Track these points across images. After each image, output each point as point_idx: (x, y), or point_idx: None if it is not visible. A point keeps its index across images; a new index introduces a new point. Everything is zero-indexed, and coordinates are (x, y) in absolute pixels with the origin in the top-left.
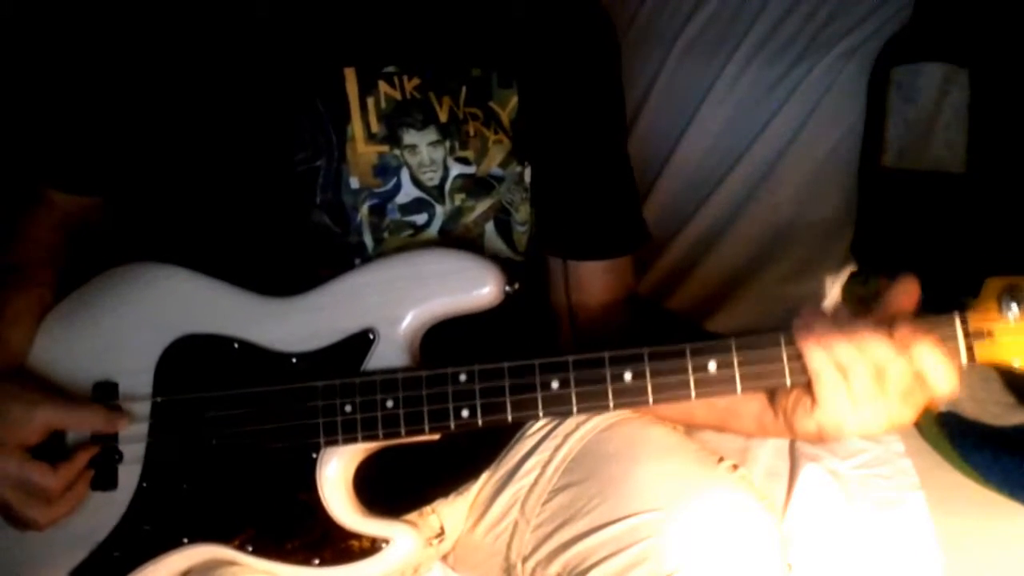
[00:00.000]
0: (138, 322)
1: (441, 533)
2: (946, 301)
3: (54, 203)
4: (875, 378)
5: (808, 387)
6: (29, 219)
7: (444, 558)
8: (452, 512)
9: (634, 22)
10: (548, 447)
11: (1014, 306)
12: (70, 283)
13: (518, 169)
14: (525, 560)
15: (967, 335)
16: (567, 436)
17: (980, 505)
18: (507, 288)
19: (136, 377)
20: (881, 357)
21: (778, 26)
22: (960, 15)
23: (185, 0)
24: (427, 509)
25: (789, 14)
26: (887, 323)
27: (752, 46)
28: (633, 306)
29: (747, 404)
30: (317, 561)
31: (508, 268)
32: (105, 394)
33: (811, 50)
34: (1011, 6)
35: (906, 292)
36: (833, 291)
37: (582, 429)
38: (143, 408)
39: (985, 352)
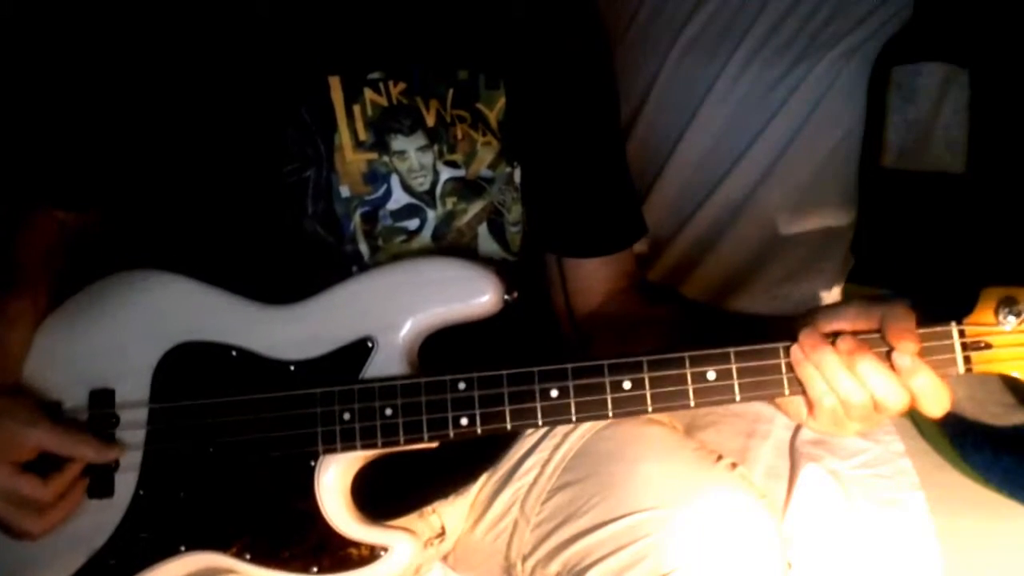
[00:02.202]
0: (135, 329)
1: (442, 533)
2: (945, 306)
3: (52, 212)
4: (871, 407)
5: (806, 396)
6: (27, 226)
7: (444, 558)
8: (452, 512)
9: (634, 22)
10: (547, 446)
11: (1011, 317)
12: (67, 289)
13: (508, 170)
14: (525, 559)
15: (964, 346)
16: (566, 435)
17: (980, 505)
18: (506, 297)
19: (133, 384)
20: (880, 390)
21: (778, 26)
22: (960, 15)
23: (171, 17)
24: (427, 509)
25: (789, 14)
26: (886, 344)
27: (752, 46)
28: (642, 293)
29: None
30: (315, 569)
31: (506, 273)
32: (102, 401)
33: (811, 50)
34: (1011, 6)
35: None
36: (833, 291)
37: (581, 428)
38: (140, 415)
39: (982, 363)
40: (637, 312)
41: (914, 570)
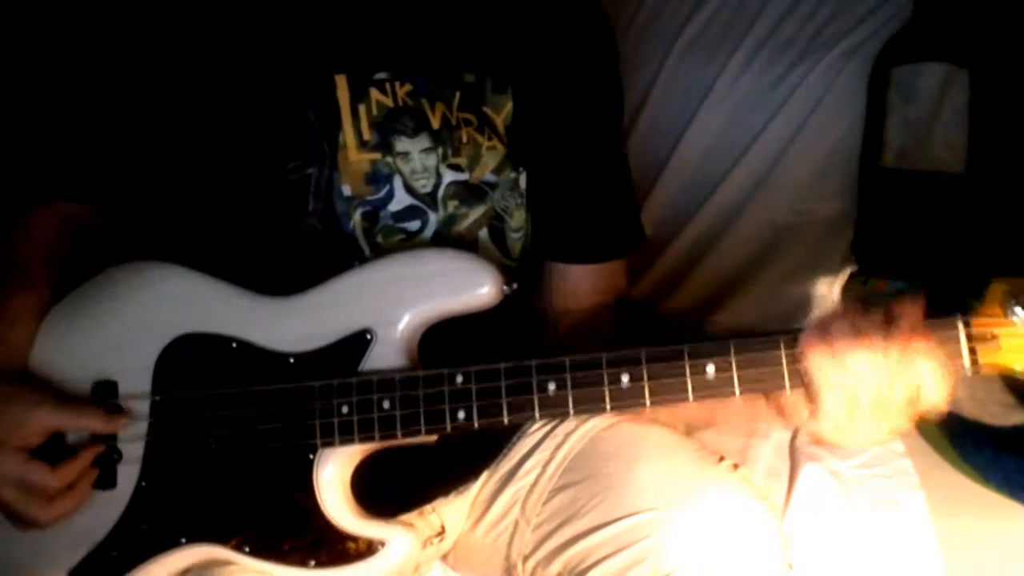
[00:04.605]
0: (137, 321)
1: (442, 532)
2: (949, 303)
3: (55, 206)
4: (879, 403)
5: (811, 396)
6: (29, 220)
7: (444, 558)
8: (452, 511)
9: (634, 22)
10: (548, 446)
11: (1019, 310)
12: (70, 283)
13: (512, 175)
14: (525, 559)
15: (970, 339)
16: (567, 435)
17: (980, 505)
18: (505, 288)
19: (135, 376)
20: (886, 381)
21: (778, 26)
22: (960, 15)
23: (179, 12)
24: (427, 508)
25: (789, 14)
26: (889, 331)
27: (752, 46)
28: (622, 310)
29: None
30: (313, 562)
31: (505, 269)
32: (105, 393)
33: (811, 50)
34: (1011, 6)
35: (912, 308)
36: (833, 291)
37: (582, 428)
38: (142, 407)
39: (988, 357)
40: (612, 331)
41: (914, 570)
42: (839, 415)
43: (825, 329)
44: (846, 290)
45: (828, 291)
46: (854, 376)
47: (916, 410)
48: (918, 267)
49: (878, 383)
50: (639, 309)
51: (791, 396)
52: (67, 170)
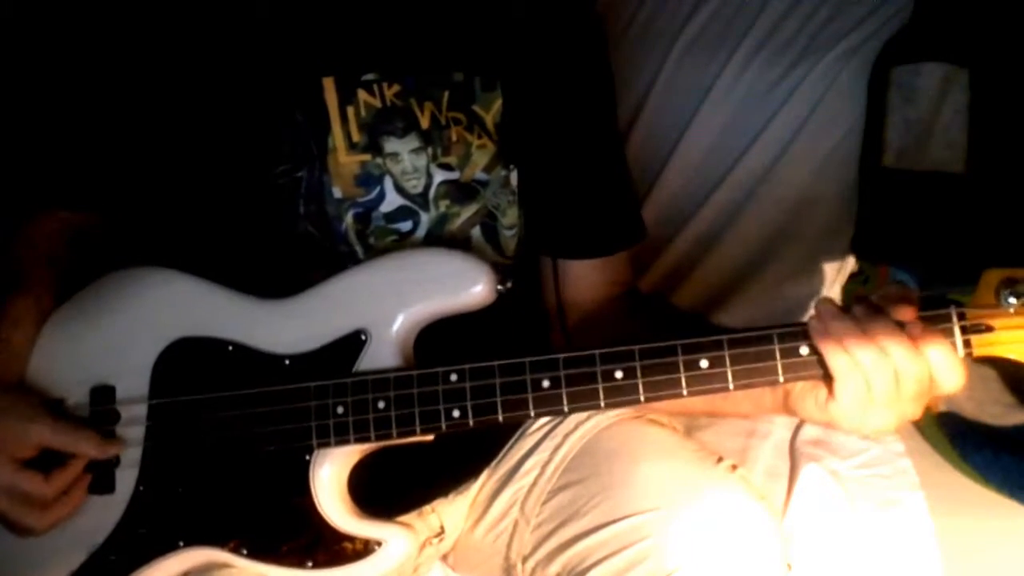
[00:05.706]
0: (135, 326)
1: (441, 532)
2: (946, 299)
3: (55, 212)
4: (894, 382)
5: (826, 380)
6: (30, 225)
7: (444, 558)
8: (452, 511)
9: (634, 22)
10: (548, 447)
11: (1012, 298)
12: (69, 288)
13: (503, 173)
14: (525, 560)
15: (964, 329)
16: (567, 436)
17: (980, 505)
18: (499, 287)
19: (133, 380)
20: (900, 361)
21: (778, 26)
22: (960, 15)
23: (168, 19)
24: (427, 508)
25: (789, 14)
26: (898, 322)
27: (752, 46)
28: (630, 302)
29: None
30: (310, 563)
31: (499, 268)
32: (102, 398)
33: (811, 50)
34: (1011, 6)
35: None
36: (833, 291)
37: (582, 428)
38: (140, 411)
39: (983, 346)
40: (623, 323)
41: (914, 570)
42: (856, 397)
43: (845, 311)
44: (846, 290)
45: (828, 291)
46: (873, 358)
47: (925, 398)
48: (918, 268)
49: (888, 375)
50: (649, 300)
51: (800, 385)
52: (64, 180)
